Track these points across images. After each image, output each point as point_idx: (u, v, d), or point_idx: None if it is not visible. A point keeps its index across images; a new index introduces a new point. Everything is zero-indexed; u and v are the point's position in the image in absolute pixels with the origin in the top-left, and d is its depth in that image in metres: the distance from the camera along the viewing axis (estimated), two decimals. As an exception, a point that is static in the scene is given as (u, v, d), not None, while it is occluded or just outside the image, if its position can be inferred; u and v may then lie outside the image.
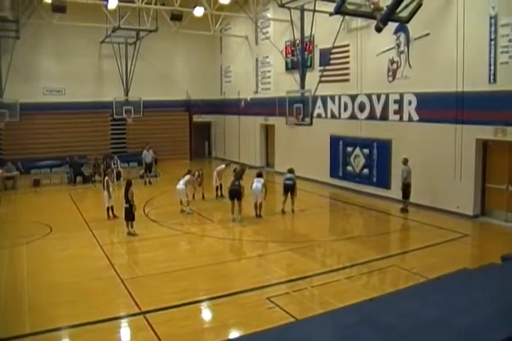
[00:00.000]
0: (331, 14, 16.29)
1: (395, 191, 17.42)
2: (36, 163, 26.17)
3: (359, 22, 19.39)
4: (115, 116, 29.05)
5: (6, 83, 25.94)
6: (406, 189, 16.36)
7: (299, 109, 19.99)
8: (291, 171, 17.23)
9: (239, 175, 16.18)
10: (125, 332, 8.60)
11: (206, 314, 9.40)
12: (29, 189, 22.49)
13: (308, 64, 22.35)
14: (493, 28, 14.33)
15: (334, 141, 21.53)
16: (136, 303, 9.38)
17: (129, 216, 14.29)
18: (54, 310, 9.19)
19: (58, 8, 20.78)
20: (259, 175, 16.60)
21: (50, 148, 27.30)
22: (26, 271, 11.39)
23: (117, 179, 24.17)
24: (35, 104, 27.06)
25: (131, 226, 14.34)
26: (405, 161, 16.38)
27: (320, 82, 19.58)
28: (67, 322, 8.56)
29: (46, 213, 17.34)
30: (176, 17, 23.50)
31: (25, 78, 26.86)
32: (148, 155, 24.33)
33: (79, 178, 24.03)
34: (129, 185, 14.43)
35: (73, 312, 9.03)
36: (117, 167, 24.62)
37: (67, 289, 10.21)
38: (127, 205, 14.28)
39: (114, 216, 16.25)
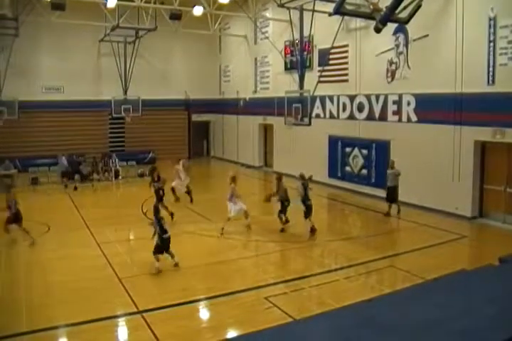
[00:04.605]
0: (330, 14, 16.28)
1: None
2: (34, 161, 26.22)
3: (358, 22, 19.40)
4: (114, 115, 29.01)
5: (4, 81, 25.91)
6: (393, 192, 16.26)
7: (298, 109, 19.99)
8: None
9: None
10: (123, 331, 8.59)
11: (204, 313, 9.40)
12: (27, 187, 22.42)
13: (308, 64, 22.34)
14: (492, 30, 14.34)
15: (333, 141, 21.54)
16: (134, 302, 9.38)
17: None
18: (51, 308, 9.19)
19: (57, 6, 20.69)
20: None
21: (48, 146, 27.29)
22: (23, 270, 11.39)
23: (115, 177, 24.24)
24: (33, 102, 27.04)
25: None
26: (393, 164, 16.40)
27: (319, 82, 19.59)
28: (64, 321, 8.56)
29: (44, 211, 17.28)
30: (175, 16, 23.46)
31: (23, 76, 26.80)
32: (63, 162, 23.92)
33: (77, 177, 23.97)
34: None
35: (71, 311, 9.03)
36: (116, 165, 24.62)
37: (64, 288, 10.20)
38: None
39: None
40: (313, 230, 14.05)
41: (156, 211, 12.28)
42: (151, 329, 8.28)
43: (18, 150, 26.45)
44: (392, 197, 16.31)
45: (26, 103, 26.40)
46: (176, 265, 11.38)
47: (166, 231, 11.41)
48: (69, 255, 12.48)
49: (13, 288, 10.25)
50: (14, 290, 10.13)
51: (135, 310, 9.08)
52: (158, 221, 11.51)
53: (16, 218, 13.26)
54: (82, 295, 9.82)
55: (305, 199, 14.13)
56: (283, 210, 14.62)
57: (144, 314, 8.87)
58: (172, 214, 15.62)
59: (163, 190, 15.92)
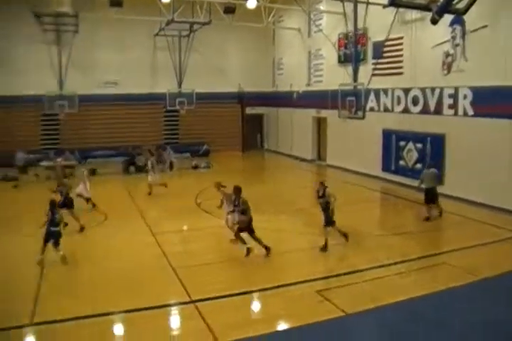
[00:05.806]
0: (384, 6, 16.12)
1: (449, 186, 17.06)
2: (92, 152, 27.16)
3: (413, 14, 19.01)
4: (168, 108, 29.58)
5: (66, 76, 26.87)
6: (431, 193, 15.16)
7: (352, 102, 19.81)
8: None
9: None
10: (175, 319, 8.85)
11: (255, 305, 9.53)
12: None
13: (361, 57, 22.11)
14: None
15: (387, 134, 21.26)
16: (187, 292, 9.61)
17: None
18: (108, 295, 9.55)
19: (115, 3, 21.41)
20: None
21: (105, 138, 28.22)
22: (83, 258, 11.82)
23: (170, 169, 24.77)
24: (92, 96, 27.93)
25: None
26: (431, 164, 16.03)
27: (373, 75, 19.35)
28: (120, 308, 8.87)
29: (101, 201, 17.75)
30: (229, 10, 23.69)
31: (83, 71, 27.71)
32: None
33: (132, 168, 24.60)
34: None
35: (127, 298, 9.36)
36: (170, 157, 25.13)
37: (121, 275, 10.57)
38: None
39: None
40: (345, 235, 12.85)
41: (52, 205, 11.53)
42: (203, 318, 8.46)
43: (78, 142, 27.45)
44: (431, 198, 15.22)
45: (85, 97, 27.29)
46: (64, 259, 11.14)
47: (56, 225, 11.27)
48: (125, 243, 12.90)
49: (76, 274, 10.74)
50: (72, 275, 10.62)
51: (188, 299, 9.30)
52: (53, 214, 11.30)
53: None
54: (136, 283, 10.15)
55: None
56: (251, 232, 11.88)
57: (197, 303, 9.07)
58: (82, 228, 13.98)
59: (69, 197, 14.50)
